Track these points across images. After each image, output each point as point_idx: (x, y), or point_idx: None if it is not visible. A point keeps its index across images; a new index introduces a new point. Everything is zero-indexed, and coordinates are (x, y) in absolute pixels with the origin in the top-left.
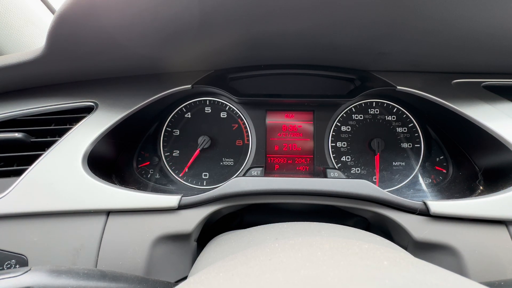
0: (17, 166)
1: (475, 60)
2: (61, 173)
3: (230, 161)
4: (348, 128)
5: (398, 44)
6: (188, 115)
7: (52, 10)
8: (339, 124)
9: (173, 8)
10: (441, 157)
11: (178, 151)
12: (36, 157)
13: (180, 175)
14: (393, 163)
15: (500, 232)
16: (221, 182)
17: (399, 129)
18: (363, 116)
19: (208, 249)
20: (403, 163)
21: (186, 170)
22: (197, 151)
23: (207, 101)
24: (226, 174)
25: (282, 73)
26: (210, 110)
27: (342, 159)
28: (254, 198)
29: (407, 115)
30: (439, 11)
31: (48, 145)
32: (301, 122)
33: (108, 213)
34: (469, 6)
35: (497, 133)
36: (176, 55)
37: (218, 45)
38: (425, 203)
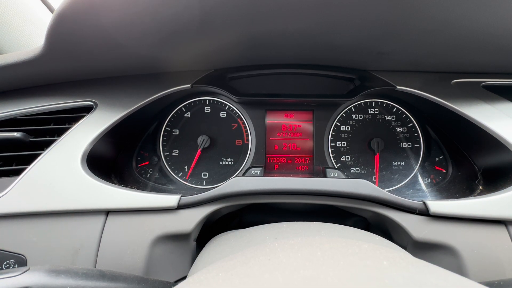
0: (16, 165)
1: (475, 60)
2: (60, 173)
3: (230, 161)
4: (348, 128)
5: (398, 44)
6: (188, 114)
7: (51, 9)
8: (339, 124)
9: (173, 7)
10: (440, 157)
11: (177, 151)
12: (35, 156)
13: (185, 178)
14: (393, 162)
15: (500, 232)
16: (221, 182)
17: (398, 129)
18: (363, 116)
19: (207, 249)
20: (403, 163)
21: (187, 171)
22: (199, 151)
23: (207, 100)
24: (225, 174)
25: (281, 72)
26: (209, 109)
27: (341, 158)
28: (254, 198)
29: (406, 115)
30: (439, 10)
31: (47, 144)
32: (301, 122)
33: (107, 212)
34: (469, 5)
35: (496, 133)
36: (175, 54)
37: (217, 44)
38: (424, 203)
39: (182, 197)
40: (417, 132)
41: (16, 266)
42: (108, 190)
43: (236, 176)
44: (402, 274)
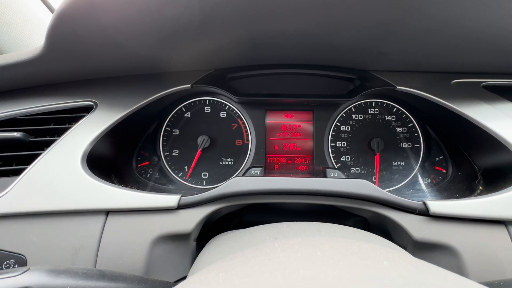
0: (16, 165)
1: (475, 60)
2: (60, 173)
3: (230, 161)
4: (348, 128)
5: (398, 44)
6: (188, 114)
7: (51, 9)
8: (339, 124)
9: (173, 7)
10: (440, 157)
11: (177, 151)
12: (35, 156)
13: (185, 178)
14: (393, 163)
15: (500, 232)
16: (221, 182)
17: (398, 129)
18: (363, 116)
19: (207, 249)
20: (403, 163)
21: (187, 171)
22: (199, 151)
23: (207, 100)
24: (225, 174)
25: (281, 72)
26: (209, 109)
27: (341, 159)
28: (254, 198)
29: (406, 115)
30: (439, 10)
31: (47, 144)
32: (301, 122)
33: (107, 212)
34: (469, 5)
35: (496, 133)
36: (175, 54)
37: (217, 44)
38: (424, 203)
39: (182, 197)
40: (417, 132)
41: (16, 266)
42: (108, 190)
43: (236, 176)
44: (402, 274)
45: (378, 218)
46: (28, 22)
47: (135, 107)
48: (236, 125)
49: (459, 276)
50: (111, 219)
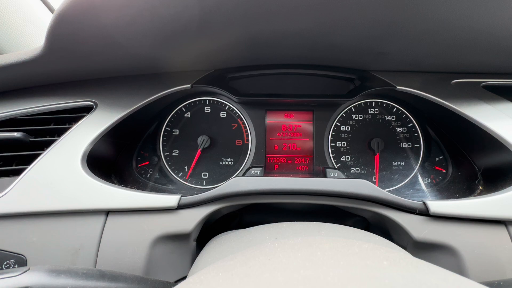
0: (16, 165)
1: (474, 60)
2: (60, 173)
3: (230, 161)
4: (348, 128)
5: (398, 44)
6: (188, 114)
7: (51, 10)
8: (339, 124)
9: (173, 7)
10: (440, 157)
11: (177, 151)
12: (35, 156)
13: (185, 178)
14: (393, 163)
15: (500, 232)
16: (221, 182)
17: (398, 129)
18: (363, 116)
19: (207, 249)
20: (403, 163)
21: (187, 171)
22: (198, 152)
23: (207, 100)
24: (225, 174)
25: (281, 72)
26: (209, 109)
27: (341, 159)
28: (254, 198)
29: (406, 115)
30: (439, 10)
31: (47, 144)
32: (301, 122)
33: (108, 213)
34: (469, 5)
35: (496, 133)
36: (175, 54)
37: (217, 44)
38: (424, 203)
39: (182, 197)
40: (417, 132)
41: (16, 266)
42: (108, 190)
43: (236, 176)
44: (402, 274)
45: (378, 218)
46: (28, 23)
47: (135, 107)
48: (236, 125)
49: (459, 276)
50: (111, 219)
